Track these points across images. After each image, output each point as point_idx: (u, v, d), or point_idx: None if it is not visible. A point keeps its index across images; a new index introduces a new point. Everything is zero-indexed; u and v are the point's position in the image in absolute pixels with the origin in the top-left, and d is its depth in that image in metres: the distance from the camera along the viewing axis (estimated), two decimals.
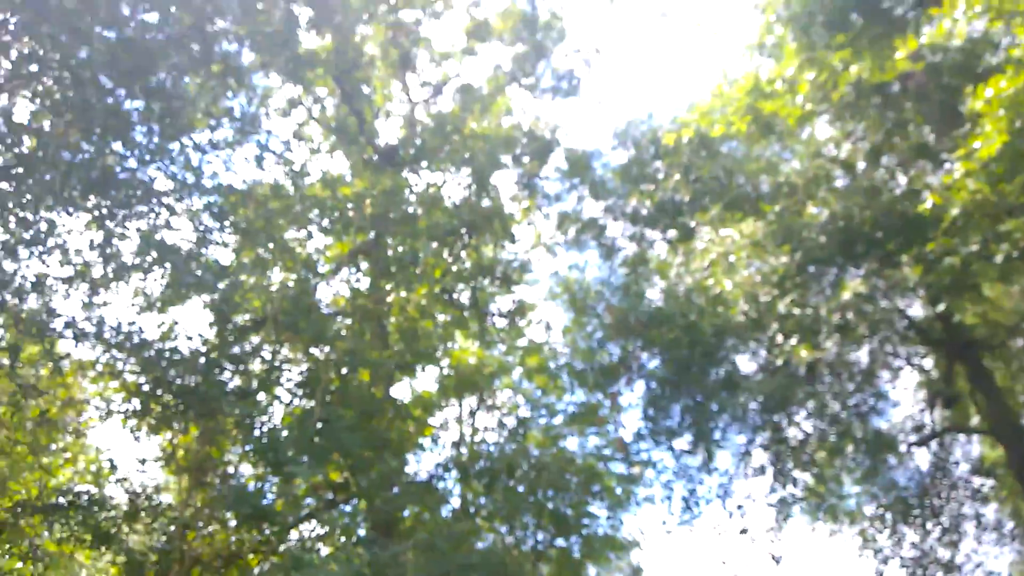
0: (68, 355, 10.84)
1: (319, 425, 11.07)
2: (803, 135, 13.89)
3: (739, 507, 15.53)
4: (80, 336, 9.99)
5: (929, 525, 15.64)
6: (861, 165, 12.99)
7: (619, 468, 14.35)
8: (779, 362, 13.28)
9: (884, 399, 15.37)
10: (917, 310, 14.59)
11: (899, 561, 15.64)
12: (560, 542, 13.18)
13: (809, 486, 15.62)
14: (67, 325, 9.83)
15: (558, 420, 14.44)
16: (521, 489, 12.53)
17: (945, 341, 14.19)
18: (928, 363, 15.75)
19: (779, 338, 12.97)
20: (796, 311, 12.50)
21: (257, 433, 11.31)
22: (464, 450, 13.45)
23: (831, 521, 16.52)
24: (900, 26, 11.90)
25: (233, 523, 11.54)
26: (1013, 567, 16.69)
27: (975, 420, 15.19)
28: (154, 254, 10.11)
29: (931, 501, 15.75)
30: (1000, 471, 15.50)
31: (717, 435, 15.25)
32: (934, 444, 16.16)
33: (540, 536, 13.00)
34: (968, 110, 9.67)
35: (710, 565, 17.10)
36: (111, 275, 10.24)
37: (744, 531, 15.35)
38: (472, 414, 14.26)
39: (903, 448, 15.96)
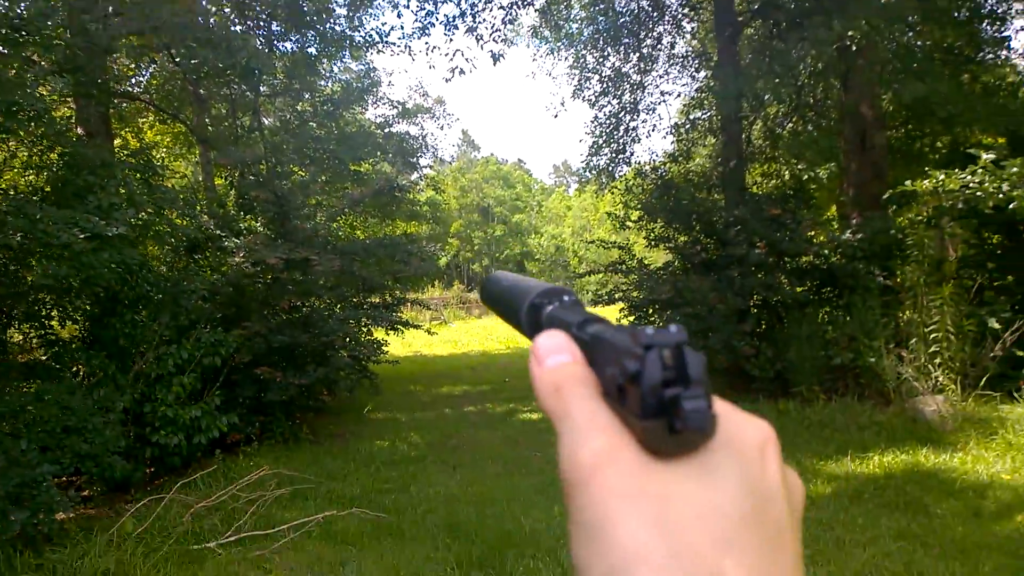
0: None
1: None
2: None
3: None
4: None
5: (631, 54, 16.70)
6: None
7: None
8: None
9: None
10: None
11: (598, 78, 16.96)
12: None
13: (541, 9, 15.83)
14: None
15: None
16: None
17: None
18: None
19: None
20: None
21: None
22: None
23: (555, 41, 17.27)
24: None
25: None
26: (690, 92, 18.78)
27: None
28: None
29: (640, 31, 16.50)
30: None
31: None
32: None
33: (274, 27, 12.44)
34: None
35: None
36: None
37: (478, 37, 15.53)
38: None
39: None
